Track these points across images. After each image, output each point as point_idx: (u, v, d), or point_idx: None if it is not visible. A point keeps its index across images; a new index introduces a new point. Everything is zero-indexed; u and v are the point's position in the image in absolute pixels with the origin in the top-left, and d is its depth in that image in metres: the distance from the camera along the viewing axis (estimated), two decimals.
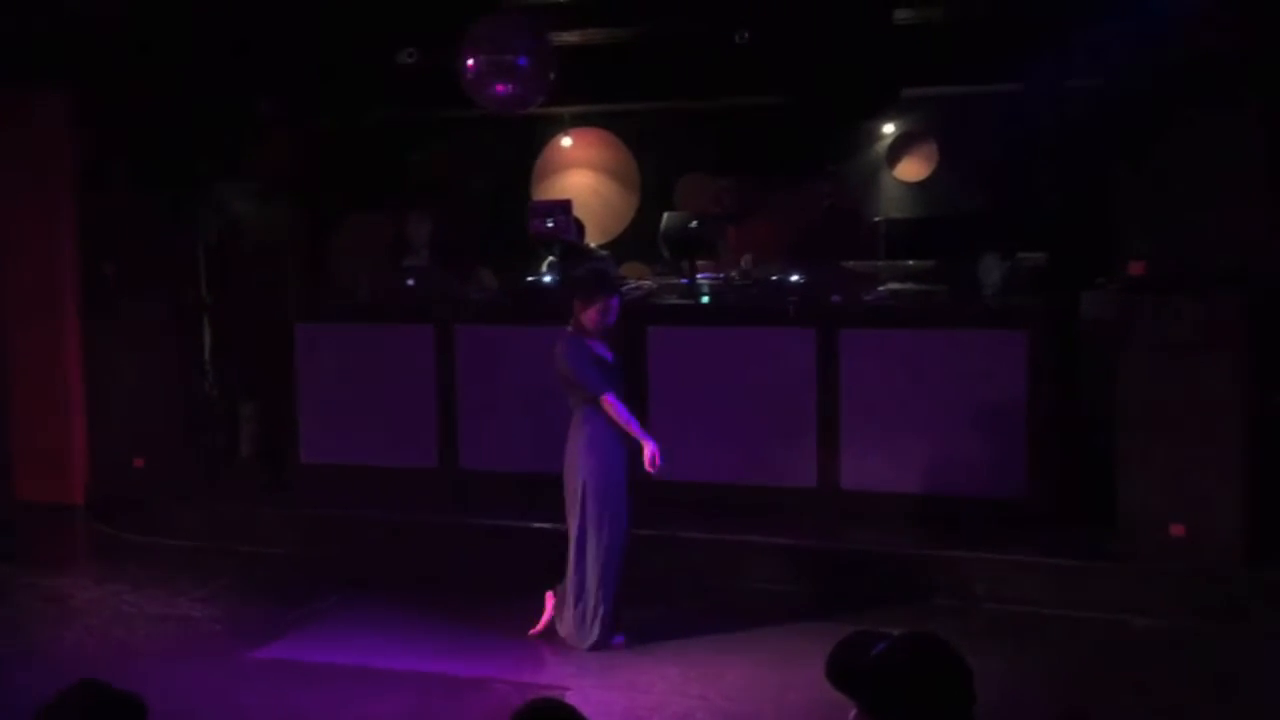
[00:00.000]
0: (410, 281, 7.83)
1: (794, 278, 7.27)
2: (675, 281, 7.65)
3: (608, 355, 5.47)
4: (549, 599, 5.60)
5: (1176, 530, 5.84)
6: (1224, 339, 5.74)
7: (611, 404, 5.34)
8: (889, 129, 9.33)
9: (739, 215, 8.13)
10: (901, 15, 6.86)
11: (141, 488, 7.75)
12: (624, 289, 7.62)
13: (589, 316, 5.40)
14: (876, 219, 8.92)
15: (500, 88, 6.74)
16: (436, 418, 7.50)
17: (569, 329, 5.47)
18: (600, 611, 5.42)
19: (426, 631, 5.83)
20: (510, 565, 6.59)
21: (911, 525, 6.43)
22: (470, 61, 6.75)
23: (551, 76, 6.94)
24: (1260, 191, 5.77)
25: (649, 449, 5.30)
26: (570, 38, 7.34)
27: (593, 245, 8.69)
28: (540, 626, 5.60)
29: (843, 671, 2.35)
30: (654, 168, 9.61)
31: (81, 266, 8.04)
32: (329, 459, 7.68)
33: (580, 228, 8.50)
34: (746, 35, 6.92)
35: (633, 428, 5.36)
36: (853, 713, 2.36)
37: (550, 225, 7.60)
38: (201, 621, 6.07)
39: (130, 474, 7.86)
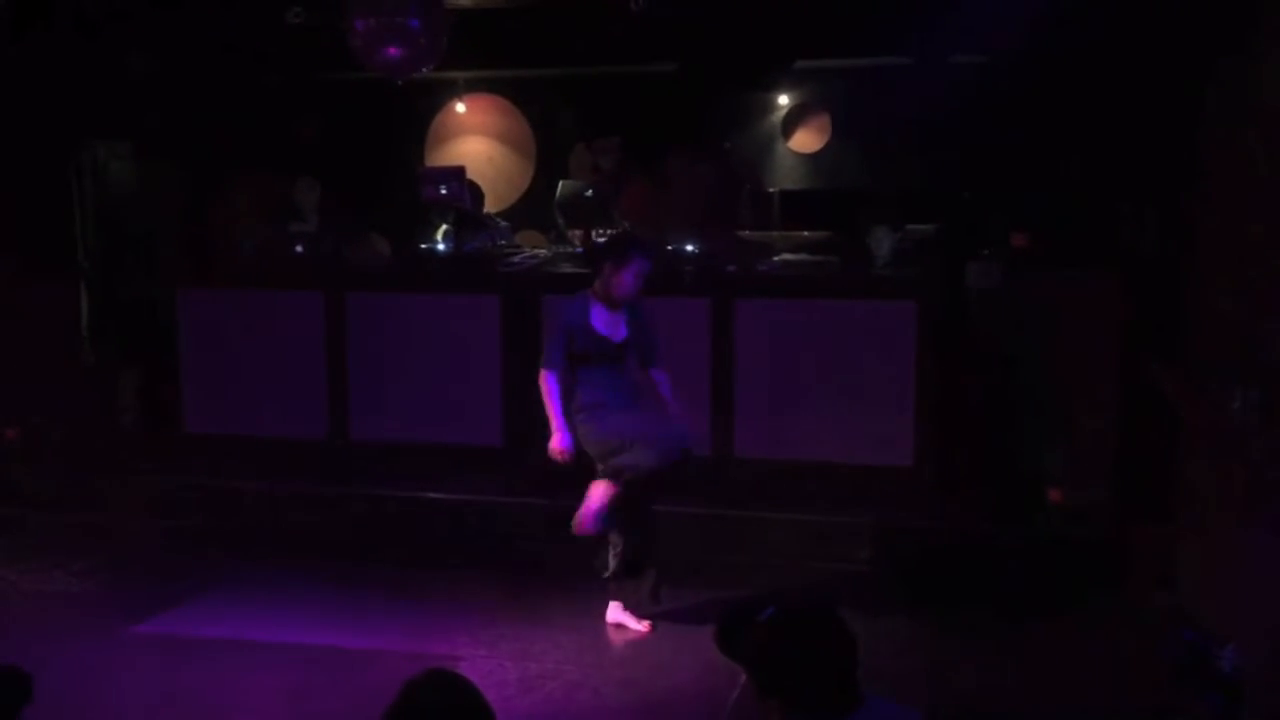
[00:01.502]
0: (299, 248, 7.65)
1: (689, 247, 7.29)
2: (570, 250, 7.61)
3: (616, 331, 5.27)
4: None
5: (1054, 496, 6.04)
6: (1100, 312, 5.93)
7: (544, 379, 5.23)
8: (784, 100, 9.40)
9: (620, 178, 8.09)
10: None
11: (15, 459, 7.47)
12: (518, 258, 7.59)
13: (620, 282, 5.21)
14: (771, 190, 8.99)
15: (391, 50, 6.60)
16: (326, 387, 7.36)
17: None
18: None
19: (314, 604, 5.76)
20: (401, 537, 6.53)
21: (804, 492, 6.52)
22: (359, 23, 6.60)
23: (444, 40, 6.82)
24: (1135, 165, 5.96)
25: (556, 440, 5.22)
26: (463, 1, 7.22)
27: (490, 213, 8.60)
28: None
29: (730, 639, 2.39)
30: (549, 135, 9.53)
31: None
32: (214, 429, 7.49)
33: (479, 194, 8.41)
34: (642, 2, 6.89)
35: (552, 412, 5.23)
36: (743, 677, 2.40)
37: (443, 192, 7.49)
38: (80, 596, 5.90)
39: (3, 445, 7.57)
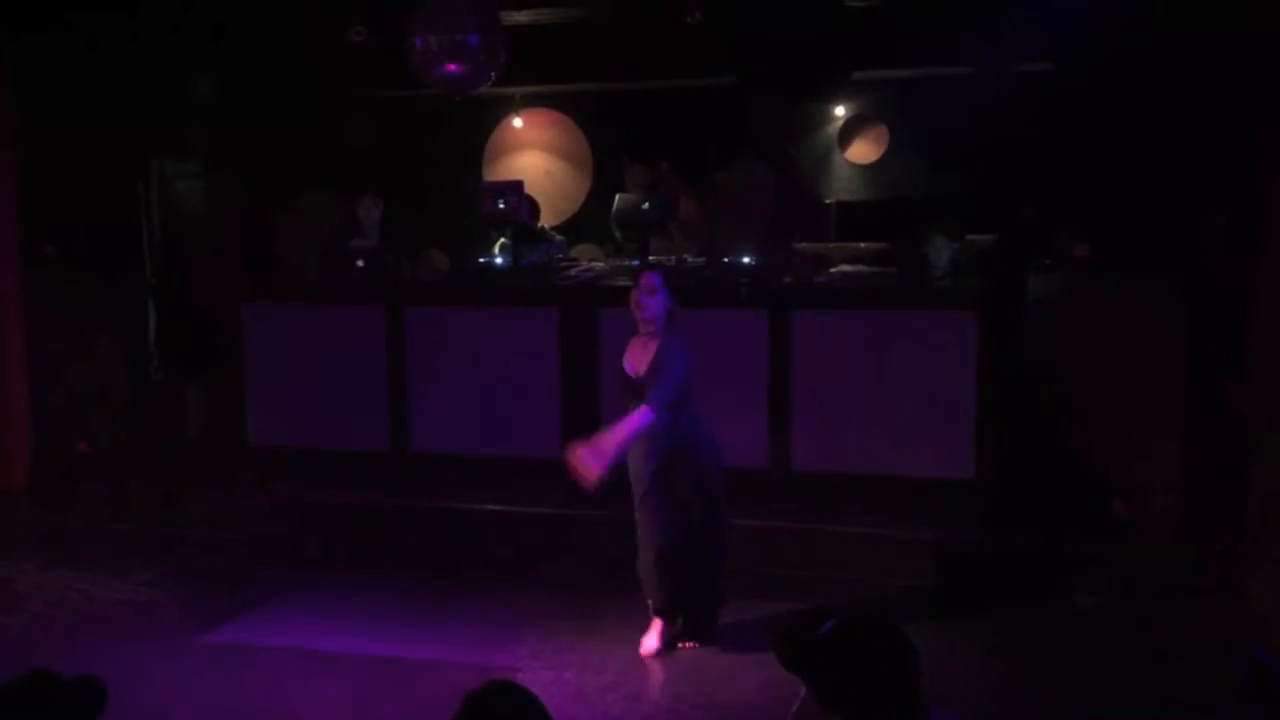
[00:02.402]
0: (360, 263, 7.76)
1: (746, 259, 7.29)
2: (627, 263, 7.65)
3: (630, 365, 5.15)
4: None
5: (1119, 508, 5.94)
6: (1166, 323, 5.84)
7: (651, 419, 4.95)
8: (840, 111, 9.36)
9: (674, 200, 8.12)
10: None
11: (86, 471, 7.64)
12: (575, 271, 7.64)
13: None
14: (828, 201, 8.96)
15: (451, 67, 6.68)
16: (387, 400, 7.45)
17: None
18: None
19: (377, 615, 5.81)
20: (461, 549, 6.58)
21: (863, 505, 6.48)
22: (420, 41, 6.69)
23: (503, 56, 6.90)
24: (1200, 172, 5.87)
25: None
26: (521, 17, 7.29)
27: (546, 227, 8.67)
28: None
29: (791, 651, 2.39)
30: (606, 149, 9.57)
31: (22, 248, 7.89)
32: (278, 441, 7.61)
33: (535, 208, 8.47)
34: (698, 15, 6.91)
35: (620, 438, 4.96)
36: (802, 690, 2.39)
37: (502, 206, 7.55)
38: (148, 606, 6.00)
39: (74, 458, 7.74)
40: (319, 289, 7.69)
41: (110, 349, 7.86)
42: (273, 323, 7.72)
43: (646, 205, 7.82)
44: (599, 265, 7.84)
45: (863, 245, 7.66)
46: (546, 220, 8.86)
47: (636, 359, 5.16)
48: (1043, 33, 6.18)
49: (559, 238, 8.43)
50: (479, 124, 9.65)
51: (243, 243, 8.25)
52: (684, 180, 8.42)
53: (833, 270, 7.25)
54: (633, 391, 5.12)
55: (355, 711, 4.78)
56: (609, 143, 9.51)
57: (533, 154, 9.79)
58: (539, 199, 8.61)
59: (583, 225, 9.26)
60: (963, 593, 5.84)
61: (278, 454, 7.56)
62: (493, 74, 6.98)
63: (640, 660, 5.22)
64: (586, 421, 6.95)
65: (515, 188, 7.71)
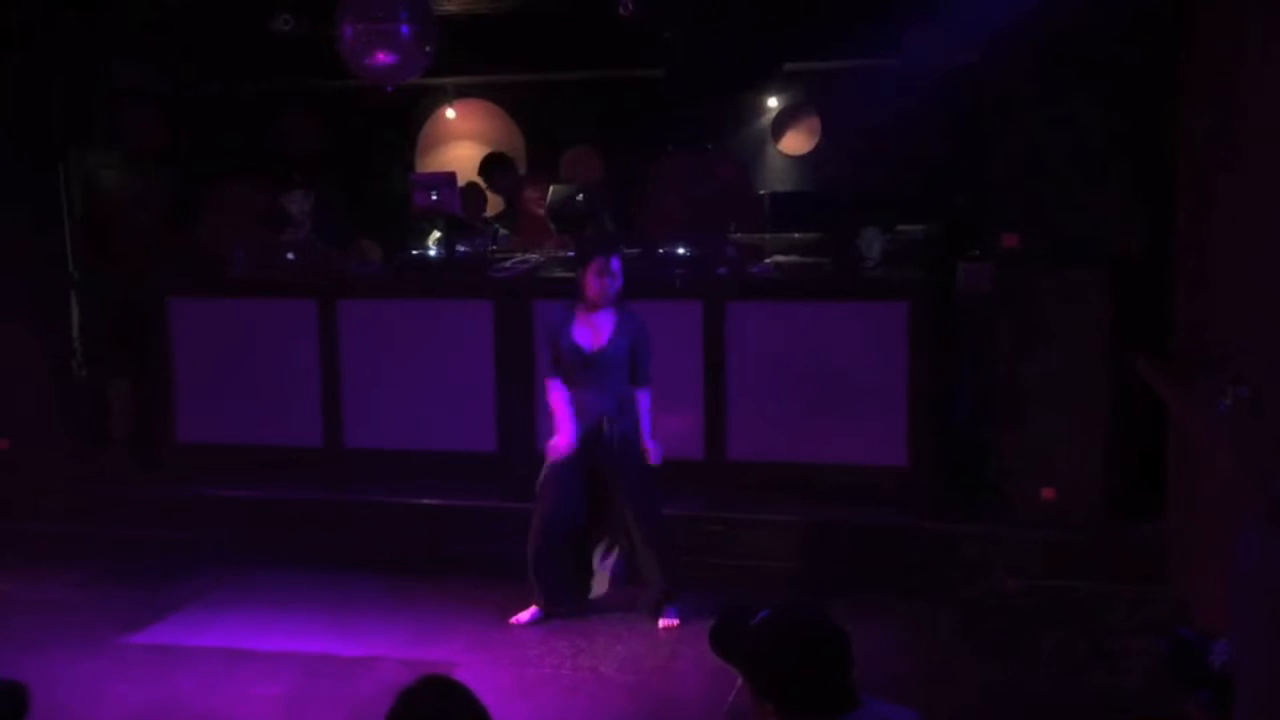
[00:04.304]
0: (290, 255, 7.64)
1: (680, 250, 7.30)
2: (562, 255, 7.61)
3: (594, 340, 5.33)
4: None
5: (1047, 494, 6.05)
6: (1087, 311, 5.95)
7: (548, 389, 5.38)
8: (773, 103, 9.41)
9: (606, 182, 8.11)
10: None
11: (8, 470, 7.45)
12: (510, 263, 7.59)
13: (586, 283, 5.30)
14: (762, 192, 8.99)
15: (380, 57, 6.60)
16: (319, 395, 7.35)
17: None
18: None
19: (310, 612, 5.75)
20: (395, 544, 6.52)
21: (797, 494, 6.53)
22: (348, 29, 6.60)
23: (433, 47, 6.83)
24: (1125, 168, 5.99)
25: (557, 439, 5.35)
26: (452, 7, 7.24)
27: (488, 218, 8.62)
28: None
29: (725, 641, 2.40)
30: (540, 140, 9.53)
31: None
32: (207, 438, 7.47)
33: (483, 199, 8.43)
34: (631, 6, 6.90)
35: (556, 414, 5.38)
36: (738, 680, 2.40)
37: (434, 198, 7.48)
38: (75, 607, 5.88)
39: None
40: (248, 282, 7.56)
41: (31, 344, 7.66)
42: (201, 317, 7.57)
43: (580, 197, 7.79)
44: (533, 257, 7.79)
45: (796, 236, 7.71)
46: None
47: (587, 334, 5.35)
48: (973, 24, 6.25)
49: (503, 231, 8.38)
50: (411, 115, 9.58)
51: (169, 235, 8.09)
52: (624, 168, 8.40)
53: (766, 261, 7.28)
54: (588, 365, 5.34)
55: (287, 711, 4.72)
56: (542, 134, 9.48)
57: (466, 145, 9.74)
58: (472, 190, 8.55)
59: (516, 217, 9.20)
60: (896, 579, 5.90)
61: (206, 451, 7.43)
62: (423, 64, 6.90)
63: (577, 652, 5.22)
64: (521, 414, 6.94)
65: (448, 179, 7.64)
